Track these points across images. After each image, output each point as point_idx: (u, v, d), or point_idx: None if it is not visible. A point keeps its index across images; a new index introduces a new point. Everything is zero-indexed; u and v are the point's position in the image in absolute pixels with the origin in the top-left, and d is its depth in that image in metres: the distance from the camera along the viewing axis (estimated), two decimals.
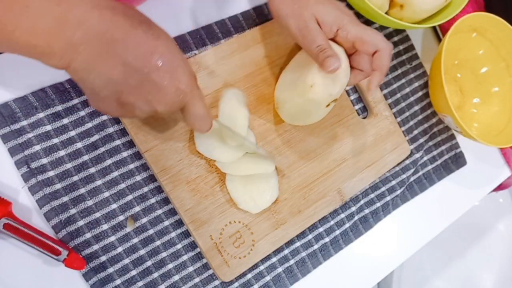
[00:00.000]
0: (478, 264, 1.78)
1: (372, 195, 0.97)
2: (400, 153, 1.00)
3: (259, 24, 0.90)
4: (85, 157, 0.77)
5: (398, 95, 1.03)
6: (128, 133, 0.79)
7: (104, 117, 0.78)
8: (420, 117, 1.05)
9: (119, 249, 0.78)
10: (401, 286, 1.65)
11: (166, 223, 0.81)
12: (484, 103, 1.09)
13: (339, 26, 0.76)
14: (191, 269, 0.82)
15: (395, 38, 1.04)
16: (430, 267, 1.74)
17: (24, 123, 0.73)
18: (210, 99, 0.83)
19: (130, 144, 0.80)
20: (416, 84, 1.06)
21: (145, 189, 0.80)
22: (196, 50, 0.85)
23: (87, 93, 0.60)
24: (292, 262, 0.90)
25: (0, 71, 0.74)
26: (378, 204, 0.97)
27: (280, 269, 0.89)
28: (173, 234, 0.82)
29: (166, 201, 0.81)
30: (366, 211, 0.97)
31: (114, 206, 0.78)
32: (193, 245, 0.83)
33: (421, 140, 1.04)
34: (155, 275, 0.80)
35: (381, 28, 1.02)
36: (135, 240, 0.79)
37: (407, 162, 1.01)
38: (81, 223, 0.76)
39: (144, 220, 0.80)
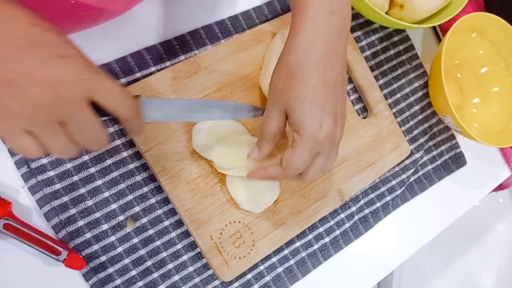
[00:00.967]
0: (478, 264, 1.78)
1: (372, 195, 0.97)
2: (400, 153, 1.00)
3: (259, 24, 0.90)
4: (85, 157, 0.77)
5: (398, 95, 1.03)
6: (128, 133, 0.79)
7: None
8: (420, 117, 1.05)
9: (119, 249, 0.78)
10: (401, 286, 1.64)
11: (166, 223, 0.81)
12: (484, 103, 1.09)
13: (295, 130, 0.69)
14: (191, 269, 0.82)
15: (395, 38, 1.04)
16: (430, 267, 1.74)
17: None
18: (210, 98, 0.83)
19: (130, 144, 0.80)
20: (416, 84, 1.06)
21: (145, 189, 0.80)
22: (196, 50, 0.85)
23: None
24: (292, 262, 0.90)
25: None
26: (378, 204, 0.97)
27: (280, 269, 0.89)
28: (173, 234, 0.82)
29: (166, 201, 0.81)
30: (366, 211, 0.97)
31: (114, 206, 0.78)
32: (193, 245, 0.83)
33: (421, 140, 1.04)
34: (155, 275, 0.80)
35: (381, 28, 1.02)
36: (135, 240, 0.79)
37: (407, 162, 1.01)
38: (81, 223, 0.76)
39: (144, 220, 0.80)
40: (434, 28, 1.13)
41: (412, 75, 1.06)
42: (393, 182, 0.99)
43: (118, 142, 0.79)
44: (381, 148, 0.97)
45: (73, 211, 0.75)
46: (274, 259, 0.88)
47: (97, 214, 0.77)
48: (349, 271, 0.96)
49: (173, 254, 0.82)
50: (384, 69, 1.02)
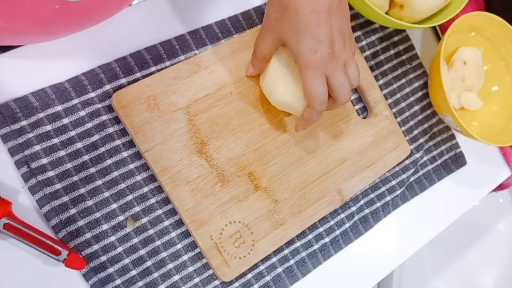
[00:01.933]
0: (478, 264, 1.78)
1: (372, 195, 0.97)
2: (400, 153, 1.00)
3: (259, 24, 0.90)
4: (85, 157, 0.77)
5: (398, 95, 1.03)
6: (128, 133, 0.79)
7: (104, 117, 0.78)
8: (420, 117, 1.05)
9: (119, 249, 0.78)
10: (401, 286, 1.65)
11: (166, 223, 0.81)
12: (484, 102, 1.09)
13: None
14: (191, 269, 0.83)
15: (395, 38, 1.04)
16: (430, 267, 1.74)
17: (24, 123, 0.73)
18: (210, 99, 0.83)
19: (130, 144, 0.80)
20: (416, 84, 1.06)
21: (145, 189, 0.80)
22: (196, 50, 0.85)
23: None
24: (292, 262, 0.90)
25: (0, 71, 0.74)
26: (378, 204, 0.98)
27: (280, 269, 0.89)
28: (173, 234, 0.82)
29: (166, 201, 0.81)
30: (366, 211, 0.97)
31: (114, 206, 0.78)
32: (193, 245, 0.83)
33: (421, 140, 1.04)
34: (155, 275, 0.80)
35: (381, 28, 1.02)
36: (135, 240, 0.79)
37: (407, 162, 1.02)
38: (81, 223, 0.76)
39: (144, 220, 0.80)
40: (434, 28, 1.13)
41: (412, 75, 1.06)
42: (393, 182, 0.99)
43: (118, 142, 0.79)
44: (381, 148, 0.98)
45: (73, 211, 0.75)
46: (274, 259, 0.88)
47: (97, 214, 0.77)
48: (349, 271, 0.96)
49: (173, 254, 0.82)
50: (384, 69, 1.02)
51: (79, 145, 0.76)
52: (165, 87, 0.80)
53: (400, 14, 0.94)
